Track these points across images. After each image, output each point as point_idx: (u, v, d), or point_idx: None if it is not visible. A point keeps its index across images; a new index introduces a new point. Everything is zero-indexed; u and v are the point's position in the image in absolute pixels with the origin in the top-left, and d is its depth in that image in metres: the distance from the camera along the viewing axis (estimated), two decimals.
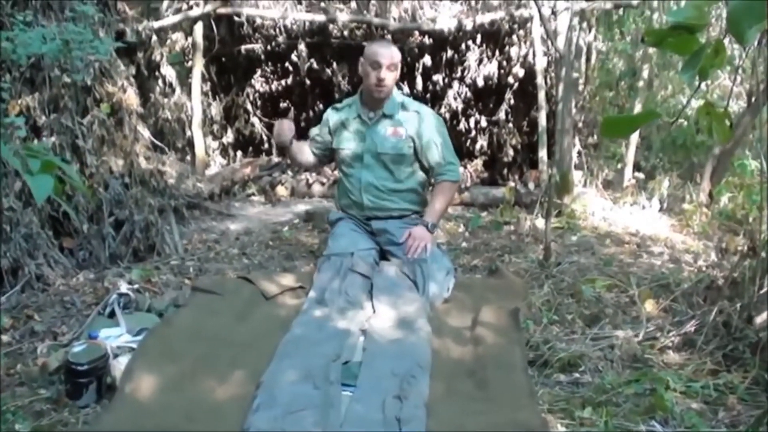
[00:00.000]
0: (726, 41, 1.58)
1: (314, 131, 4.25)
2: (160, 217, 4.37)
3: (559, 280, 3.90)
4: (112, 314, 3.21)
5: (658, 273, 4.05)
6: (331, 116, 4.12)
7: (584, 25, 6.12)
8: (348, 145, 4.01)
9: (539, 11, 4.71)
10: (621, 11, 7.02)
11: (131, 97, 4.43)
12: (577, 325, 3.35)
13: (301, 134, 6.80)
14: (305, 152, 4.25)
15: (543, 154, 5.65)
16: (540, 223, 4.94)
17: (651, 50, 6.67)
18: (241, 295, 3.50)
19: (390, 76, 3.86)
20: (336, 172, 4.78)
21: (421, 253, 3.75)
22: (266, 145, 7.09)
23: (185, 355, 2.84)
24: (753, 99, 5.43)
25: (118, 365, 2.71)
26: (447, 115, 6.21)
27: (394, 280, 3.57)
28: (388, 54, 3.86)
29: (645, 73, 6.38)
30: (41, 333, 3.14)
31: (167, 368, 2.71)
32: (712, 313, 3.08)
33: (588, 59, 6.65)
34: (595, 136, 6.68)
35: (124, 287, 3.35)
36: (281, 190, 6.13)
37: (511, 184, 5.90)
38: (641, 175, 6.00)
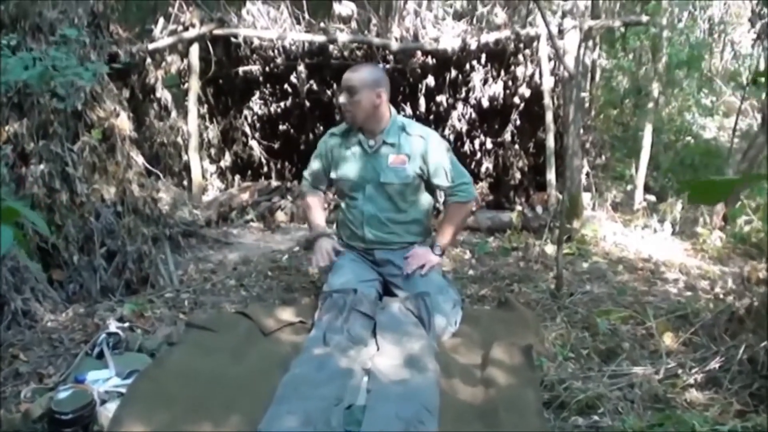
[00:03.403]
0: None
1: (314, 167, 3.99)
2: (154, 246, 4.24)
3: (572, 312, 3.77)
4: (100, 355, 3.05)
5: (675, 302, 3.95)
6: (329, 143, 3.90)
7: (589, 43, 5.99)
8: (348, 174, 3.81)
9: (548, 30, 4.56)
10: (623, 28, 6.97)
11: (124, 122, 4.32)
12: (594, 361, 3.21)
13: (300, 156, 6.75)
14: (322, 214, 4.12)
15: (551, 176, 5.54)
16: (549, 248, 4.85)
17: (661, 67, 6.56)
18: (237, 332, 3.34)
19: (351, 101, 3.66)
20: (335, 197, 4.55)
21: (418, 271, 3.65)
22: (265, 169, 7.01)
23: (178, 398, 2.68)
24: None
25: (106, 412, 2.56)
26: (451, 137, 6.09)
27: (399, 317, 3.39)
28: (348, 78, 3.68)
29: (655, 92, 6.21)
30: (26, 374, 2.99)
31: (159, 413, 2.56)
32: (737, 349, 2.95)
33: (593, 77, 6.55)
34: (603, 157, 6.56)
35: (113, 326, 3.19)
36: (280, 216, 6.01)
37: (519, 208, 5.75)
38: (652, 198, 5.86)
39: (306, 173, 4.07)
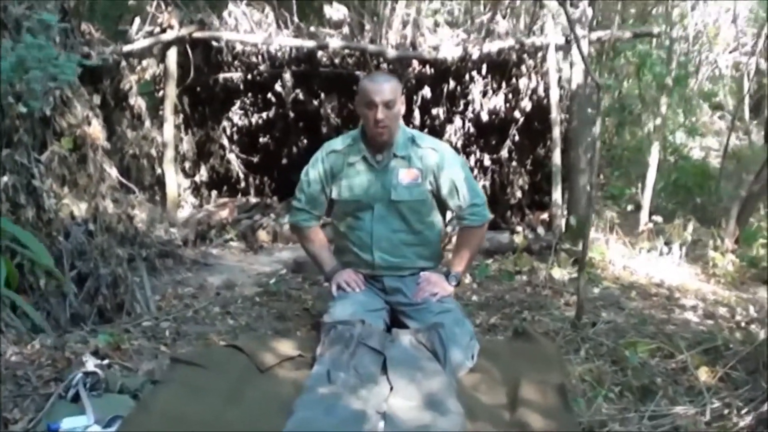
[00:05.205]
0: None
1: (311, 190, 3.53)
2: (129, 269, 3.92)
3: (596, 344, 3.47)
4: (76, 397, 2.67)
5: (698, 331, 3.73)
6: (328, 161, 3.51)
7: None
8: (354, 193, 3.44)
9: (575, 36, 4.23)
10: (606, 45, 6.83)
11: (96, 130, 4.02)
12: (628, 399, 2.94)
13: (281, 171, 6.40)
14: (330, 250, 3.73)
15: (557, 195, 5.27)
16: (557, 272, 4.65)
17: (670, 81, 6.34)
18: (230, 368, 3.00)
19: (390, 114, 3.29)
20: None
21: (429, 298, 3.35)
22: (243, 184, 6.74)
23: None
24: None
25: None
26: None
27: (411, 351, 3.07)
28: (380, 90, 3.27)
29: (663, 108, 5.97)
30: None
31: None
32: None
33: None
34: (601, 176, 6.34)
35: (90, 364, 2.80)
36: (263, 235, 5.68)
37: (519, 228, 5.47)
38: (659, 219, 5.60)
39: (298, 202, 3.61)
